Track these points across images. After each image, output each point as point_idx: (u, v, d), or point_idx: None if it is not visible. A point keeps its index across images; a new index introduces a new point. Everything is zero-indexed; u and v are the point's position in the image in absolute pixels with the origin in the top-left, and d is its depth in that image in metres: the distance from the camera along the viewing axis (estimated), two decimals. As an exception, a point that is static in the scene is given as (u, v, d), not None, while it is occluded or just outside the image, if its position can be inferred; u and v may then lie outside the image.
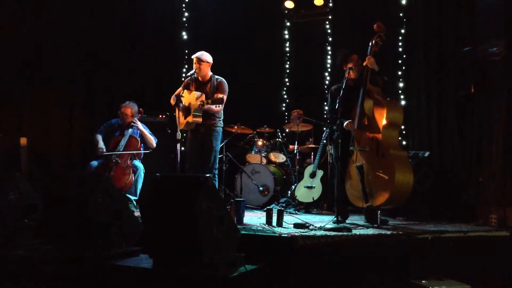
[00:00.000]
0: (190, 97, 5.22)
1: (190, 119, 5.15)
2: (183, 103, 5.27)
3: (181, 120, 5.31)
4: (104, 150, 5.83)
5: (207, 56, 5.33)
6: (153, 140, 6.00)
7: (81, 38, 6.88)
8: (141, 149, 5.99)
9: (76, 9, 6.87)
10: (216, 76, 5.38)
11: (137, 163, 5.88)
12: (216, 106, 5.04)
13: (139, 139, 5.94)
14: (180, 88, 5.43)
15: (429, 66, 6.06)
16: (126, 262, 3.59)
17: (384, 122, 4.61)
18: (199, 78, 5.36)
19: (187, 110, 5.22)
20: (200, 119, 5.18)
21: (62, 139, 6.87)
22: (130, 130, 5.95)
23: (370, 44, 4.80)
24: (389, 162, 4.50)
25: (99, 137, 5.94)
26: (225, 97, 5.17)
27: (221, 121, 5.43)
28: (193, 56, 5.33)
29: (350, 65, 4.87)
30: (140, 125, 5.96)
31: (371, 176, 4.58)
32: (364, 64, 4.76)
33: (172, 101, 5.44)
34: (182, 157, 5.26)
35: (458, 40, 5.71)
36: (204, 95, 5.15)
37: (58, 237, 3.87)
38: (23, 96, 6.67)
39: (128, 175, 5.70)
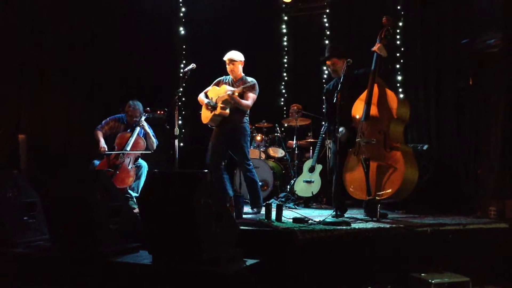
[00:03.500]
0: (219, 91, 5.23)
1: (217, 111, 5.12)
2: (210, 99, 5.26)
3: (206, 114, 5.28)
4: (106, 149, 5.72)
5: (238, 55, 5.30)
6: (154, 143, 5.97)
7: (78, 35, 6.87)
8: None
9: (74, 6, 6.87)
10: (249, 78, 5.34)
11: (141, 161, 5.87)
12: (245, 101, 5.10)
13: (144, 139, 5.91)
14: (210, 87, 5.42)
15: (427, 59, 6.05)
16: (125, 259, 3.59)
17: (394, 116, 4.59)
18: (233, 78, 5.35)
19: (214, 104, 5.19)
20: (227, 112, 5.13)
21: (60, 136, 6.86)
22: (137, 129, 5.87)
23: (378, 37, 4.76)
24: (397, 157, 4.48)
25: (100, 135, 5.82)
26: (255, 97, 5.22)
27: (248, 117, 5.36)
28: (225, 58, 5.29)
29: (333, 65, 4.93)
30: (146, 127, 5.92)
31: (377, 169, 4.55)
32: (373, 50, 4.72)
33: (202, 100, 5.37)
34: (180, 153, 5.24)
35: (456, 32, 5.70)
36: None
37: (58, 234, 3.87)
38: (22, 93, 6.66)
39: (132, 177, 5.68)
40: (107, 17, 7.15)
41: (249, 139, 5.37)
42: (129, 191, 5.71)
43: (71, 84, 6.95)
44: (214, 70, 5.60)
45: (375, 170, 4.57)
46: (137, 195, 5.68)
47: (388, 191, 4.48)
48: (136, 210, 4.33)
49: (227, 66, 5.29)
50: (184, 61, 7.35)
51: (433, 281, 3.58)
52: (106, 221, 3.74)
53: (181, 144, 5.51)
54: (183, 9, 7.57)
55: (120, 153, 5.67)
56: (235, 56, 5.27)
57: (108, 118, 6.04)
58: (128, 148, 5.73)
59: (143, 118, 5.93)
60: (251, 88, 5.22)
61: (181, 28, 7.53)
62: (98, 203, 3.71)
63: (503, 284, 4.04)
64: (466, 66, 5.55)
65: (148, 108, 6.03)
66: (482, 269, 4.04)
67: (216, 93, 5.26)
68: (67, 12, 6.83)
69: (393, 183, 4.45)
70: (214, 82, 5.45)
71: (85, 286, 3.56)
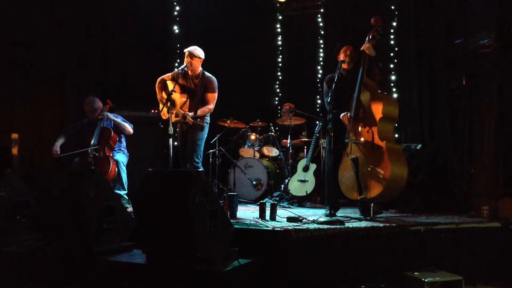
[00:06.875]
0: (176, 97, 5.20)
1: (173, 117, 5.05)
2: (169, 93, 5.14)
3: (164, 110, 5.21)
4: (58, 152, 5.68)
5: (199, 52, 5.30)
6: (128, 126, 5.89)
7: (73, 35, 6.84)
8: (118, 138, 5.88)
9: (69, 5, 6.84)
10: (206, 74, 5.33)
11: (117, 155, 5.81)
12: (207, 108, 5.20)
13: (112, 129, 5.81)
14: (169, 75, 5.38)
15: (420, 59, 6.07)
16: (119, 258, 3.58)
17: (380, 115, 4.61)
18: (189, 72, 5.32)
19: (171, 104, 5.09)
20: (180, 119, 5.18)
21: (53, 135, 6.82)
22: (100, 122, 5.82)
23: (367, 38, 4.78)
24: (384, 155, 4.51)
25: (59, 138, 5.80)
26: (215, 95, 5.28)
27: (207, 116, 5.38)
28: (186, 50, 5.30)
29: (342, 57, 4.87)
30: (110, 115, 5.84)
31: (366, 168, 4.59)
32: (361, 49, 4.73)
33: (159, 85, 5.36)
34: (174, 152, 5.23)
35: (450, 32, 5.72)
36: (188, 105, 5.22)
37: (51, 233, 3.85)
38: (15, 92, 6.63)
39: (108, 165, 5.59)
40: (102, 16, 7.12)
41: (204, 137, 5.37)
42: (116, 191, 5.66)
43: (65, 83, 6.92)
44: (208, 69, 5.58)
45: (364, 169, 4.60)
46: (125, 191, 5.71)
47: (376, 189, 4.51)
48: (130, 209, 4.32)
49: (185, 58, 5.28)
50: (178, 60, 7.33)
51: (426, 280, 3.60)
52: (99, 220, 3.73)
53: (175, 143, 5.47)
54: (177, 8, 7.56)
55: (89, 150, 5.59)
56: (195, 51, 5.26)
57: (77, 122, 6.06)
58: (96, 143, 5.68)
59: (104, 111, 5.83)
60: (212, 88, 5.28)
61: (175, 27, 7.51)
62: (92, 202, 3.71)
63: (495, 283, 4.07)
64: (459, 66, 5.58)
65: (108, 100, 5.94)
66: (474, 268, 4.07)
67: (175, 96, 5.19)
68: (61, 10, 6.80)
69: (380, 182, 4.49)
70: (173, 73, 5.38)
71: (79, 285, 3.55)
